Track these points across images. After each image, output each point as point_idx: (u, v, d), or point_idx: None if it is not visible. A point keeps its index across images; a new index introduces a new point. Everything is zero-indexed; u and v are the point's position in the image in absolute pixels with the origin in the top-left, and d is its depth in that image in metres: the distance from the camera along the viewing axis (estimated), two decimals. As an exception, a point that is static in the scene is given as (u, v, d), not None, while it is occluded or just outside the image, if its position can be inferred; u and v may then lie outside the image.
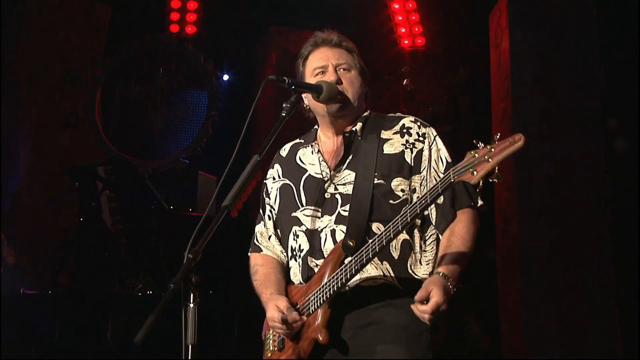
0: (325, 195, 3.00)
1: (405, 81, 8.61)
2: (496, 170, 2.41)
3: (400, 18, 8.48)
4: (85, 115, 8.20)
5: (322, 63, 3.10)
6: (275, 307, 2.92)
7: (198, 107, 8.69)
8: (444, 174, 2.88)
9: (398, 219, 2.69)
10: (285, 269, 3.18)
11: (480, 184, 2.44)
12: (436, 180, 2.91)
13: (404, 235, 2.92)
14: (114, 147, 8.26)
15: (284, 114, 2.83)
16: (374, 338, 2.84)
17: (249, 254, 3.30)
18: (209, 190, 7.79)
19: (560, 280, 6.64)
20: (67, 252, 6.46)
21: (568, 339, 6.53)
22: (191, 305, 2.33)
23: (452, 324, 7.17)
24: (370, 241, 2.75)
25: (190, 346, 2.32)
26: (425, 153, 3.00)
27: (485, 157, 2.41)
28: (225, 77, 9.08)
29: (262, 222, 3.27)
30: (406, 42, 8.52)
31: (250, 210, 8.61)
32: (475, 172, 2.43)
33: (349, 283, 2.82)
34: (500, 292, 7.26)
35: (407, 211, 2.67)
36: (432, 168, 2.97)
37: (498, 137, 2.42)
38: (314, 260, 2.97)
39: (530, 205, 6.79)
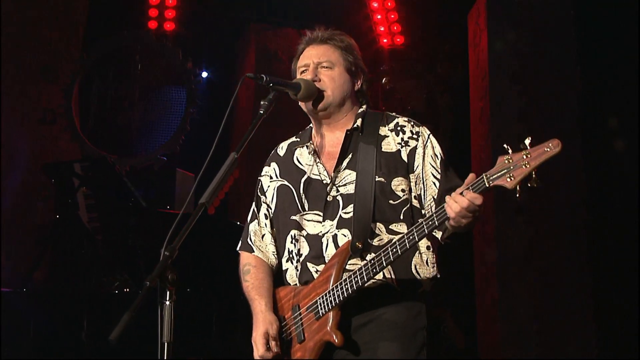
0: (327, 199, 2.97)
1: (384, 80, 8.62)
2: (534, 175, 2.41)
3: (379, 17, 8.50)
4: (62, 112, 8.13)
5: (304, 61, 3.10)
6: (263, 335, 2.90)
7: (176, 104, 8.63)
8: (440, 170, 2.91)
9: (422, 222, 2.65)
10: (276, 271, 3.16)
11: (518, 188, 2.43)
12: (433, 176, 2.92)
13: None
14: (91, 143, 8.20)
15: (261, 112, 2.81)
16: (371, 336, 2.84)
17: (239, 250, 3.26)
18: (187, 187, 7.76)
19: (537, 279, 6.68)
20: (43, 250, 6.40)
21: (544, 337, 6.57)
22: (167, 302, 2.31)
23: (428, 322, 7.18)
24: (397, 239, 2.71)
25: (165, 344, 2.30)
26: (419, 151, 2.97)
27: (522, 162, 2.41)
28: (204, 74, 9.05)
29: (256, 220, 3.23)
30: (385, 40, 8.55)
31: (228, 208, 8.60)
32: (512, 178, 2.42)
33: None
34: (477, 290, 7.29)
35: (433, 214, 2.63)
36: (428, 164, 2.95)
37: (529, 141, 2.42)
38: (314, 265, 2.95)
39: (507, 205, 6.82)
